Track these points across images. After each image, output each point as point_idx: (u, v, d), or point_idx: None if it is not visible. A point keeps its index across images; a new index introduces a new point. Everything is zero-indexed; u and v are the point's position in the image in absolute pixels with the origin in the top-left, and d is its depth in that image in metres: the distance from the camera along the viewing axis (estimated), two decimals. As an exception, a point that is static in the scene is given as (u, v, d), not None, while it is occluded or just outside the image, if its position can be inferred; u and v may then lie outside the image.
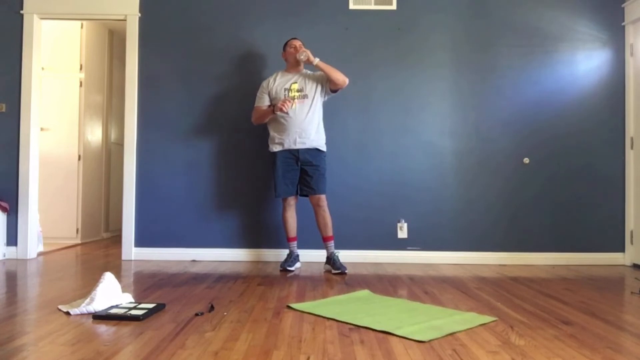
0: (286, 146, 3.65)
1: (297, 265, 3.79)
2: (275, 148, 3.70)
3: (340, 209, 4.11)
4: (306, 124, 3.63)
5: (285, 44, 3.80)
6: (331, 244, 3.71)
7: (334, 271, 3.60)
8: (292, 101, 3.59)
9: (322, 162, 3.71)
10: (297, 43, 3.75)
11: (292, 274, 3.56)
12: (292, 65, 3.76)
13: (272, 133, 3.73)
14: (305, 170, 3.66)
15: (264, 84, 3.79)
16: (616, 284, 3.29)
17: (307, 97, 3.66)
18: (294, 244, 3.81)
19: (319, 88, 3.70)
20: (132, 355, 1.80)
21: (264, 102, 3.75)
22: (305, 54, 3.61)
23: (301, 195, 3.72)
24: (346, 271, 3.58)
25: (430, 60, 4.22)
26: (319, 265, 3.85)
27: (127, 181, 4.18)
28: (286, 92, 3.67)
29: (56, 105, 5.13)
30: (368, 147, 4.17)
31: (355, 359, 1.79)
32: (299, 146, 3.63)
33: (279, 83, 3.72)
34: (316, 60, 3.59)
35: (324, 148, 3.73)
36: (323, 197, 3.68)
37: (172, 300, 2.68)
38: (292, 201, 3.75)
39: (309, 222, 3.87)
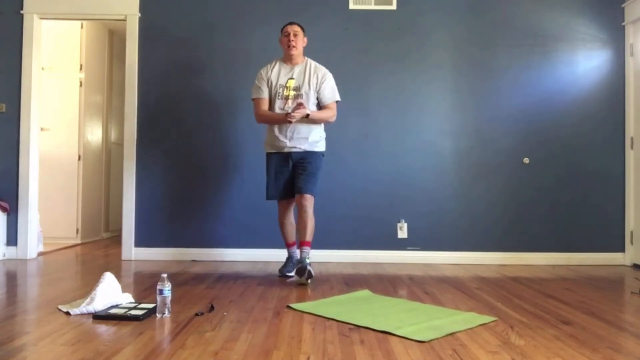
0: (278, 149, 3.40)
1: None
2: (268, 149, 3.47)
3: (340, 209, 4.12)
4: (300, 126, 3.33)
5: (282, 29, 3.45)
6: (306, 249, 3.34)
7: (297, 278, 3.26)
8: (298, 105, 3.24)
9: (315, 160, 3.39)
10: (291, 31, 3.37)
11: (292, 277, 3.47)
12: (288, 55, 3.42)
13: (266, 134, 3.48)
14: (295, 168, 3.38)
15: (262, 72, 3.43)
16: (616, 284, 3.29)
17: (302, 98, 3.35)
18: (293, 248, 3.56)
19: (315, 90, 3.39)
20: (132, 355, 1.79)
21: (263, 93, 3.40)
22: (296, 115, 3.21)
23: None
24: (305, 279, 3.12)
25: (430, 60, 4.22)
26: (318, 266, 3.84)
27: (127, 181, 4.18)
28: (281, 88, 3.37)
29: (56, 105, 5.12)
30: (368, 147, 4.17)
31: (355, 359, 1.79)
32: (291, 150, 3.36)
33: (276, 76, 3.40)
34: (309, 114, 3.28)
35: (319, 149, 3.44)
36: (308, 196, 3.30)
37: (172, 300, 2.67)
38: (285, 204, 3.47)
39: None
